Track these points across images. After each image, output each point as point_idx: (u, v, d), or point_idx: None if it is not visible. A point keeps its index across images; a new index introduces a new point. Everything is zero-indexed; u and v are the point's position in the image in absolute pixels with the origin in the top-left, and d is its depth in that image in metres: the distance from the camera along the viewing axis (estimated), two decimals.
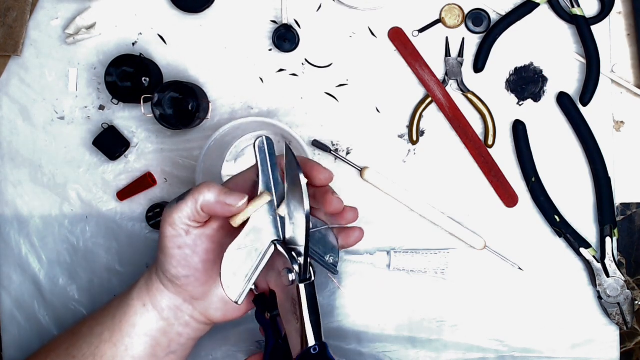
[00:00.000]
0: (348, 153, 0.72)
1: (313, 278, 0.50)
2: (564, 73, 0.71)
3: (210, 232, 0.55)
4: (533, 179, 0.70)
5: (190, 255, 0.54)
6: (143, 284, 0.59)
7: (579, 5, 0.69)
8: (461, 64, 0.71)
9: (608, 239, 0.70)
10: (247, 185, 0.56)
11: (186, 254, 0.54)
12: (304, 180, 0.46)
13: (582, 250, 0.70)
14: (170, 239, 0.54)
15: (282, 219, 0.52)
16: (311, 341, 0.48)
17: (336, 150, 0.72)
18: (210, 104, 0.71)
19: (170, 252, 0.54)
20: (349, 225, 0.56)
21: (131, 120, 0.72)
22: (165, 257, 0.55)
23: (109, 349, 0.57)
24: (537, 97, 0.72)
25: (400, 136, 0.72)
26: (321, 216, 0.56)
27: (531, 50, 0.71)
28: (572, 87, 0.71)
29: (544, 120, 0.71)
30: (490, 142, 0.71)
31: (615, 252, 0.70)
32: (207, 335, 0.72)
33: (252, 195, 0.52)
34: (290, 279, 0.49)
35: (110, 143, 0.71)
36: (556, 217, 0.70)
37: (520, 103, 0.72)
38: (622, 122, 0.72)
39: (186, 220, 0.53)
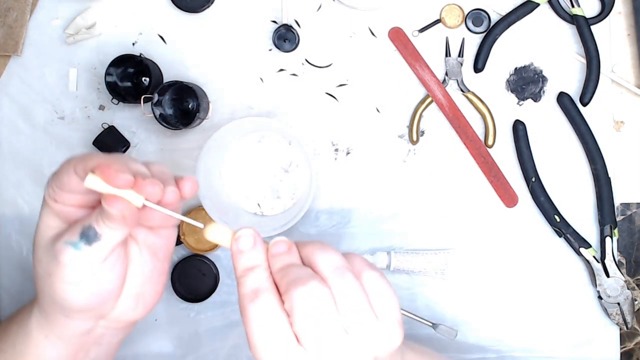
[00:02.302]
0: (348, 153, 0.72)
1: None
2: (564, 73, 0.71)
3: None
4: (533, 179, 0.70)
5: (100, 279, 0.47)
6: (38, 312, 0.51)
7: (579, 5, 0.69)
8: (461, 64, 0.71)
9: (608, 239, 0.70)
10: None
11: (96, 280, 0.47)
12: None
13: (582, 250, 0.70)
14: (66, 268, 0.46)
15: None
16: None
17: (336, 150, 0.72)
18: (210, 104, 0.71)
19: (69, 287, 0.46)
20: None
21: (131, 120, 0.72)
22: (63, 293, 0.47)
23: None
24: (537, 97, 0.72)
25: (400, 136, 0.72)
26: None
27: (531, 50, 0.71)
28: (572, 87, 0.71)
29: (544, 120, 0.71)
30: (490, 142, 0.71)
31: (615, 252, 0.70)
32: (207, 335, 0.72)
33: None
34: None
35: (110, 143, 0.71)
36: (556, 217, 0.70)
37: (520, 103, 0.72)
38: (622, 122, 0.72)
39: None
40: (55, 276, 0.46)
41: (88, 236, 0.45)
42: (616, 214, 0.70)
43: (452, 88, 0.71)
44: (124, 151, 0.72)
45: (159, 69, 0.72)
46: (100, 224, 0.45)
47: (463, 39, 0.71)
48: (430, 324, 0.51)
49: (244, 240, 0.45)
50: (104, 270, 0.47)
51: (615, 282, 0.69)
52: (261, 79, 0.72)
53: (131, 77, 0.71)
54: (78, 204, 0.47)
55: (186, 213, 0.71)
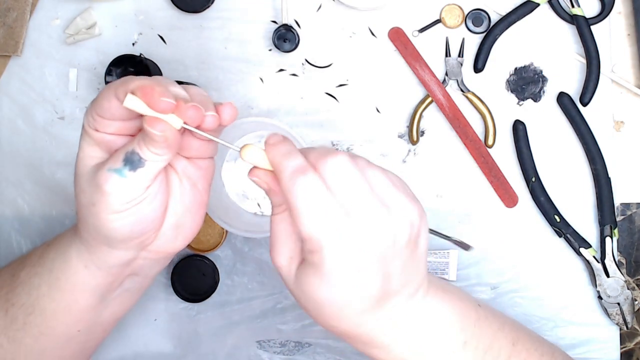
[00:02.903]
0: None
1: None
2: (564, 73, 0.71)
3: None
4: (533, 179, 0.70)
5: (145, 208, 0.47)
6: (79, 242, 0.52)
7: (579, 5, 0.69)
8: (461, 64, 0.71)
9: (608, 239, 0.70)
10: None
11: (140, 209, 0.47)
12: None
13: (582, 250, 0.70)
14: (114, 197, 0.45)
15: None
16: None
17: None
18: None
19: (114, 216, 0.46)
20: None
21: None
22: (107, 222, 0.47)
23: (48, 304, 0.53)
24: (537, 97, 0.72)
25: (400, 136, 0.72)
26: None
27: (531, 50, 0.71)
28: (572, 87, 0.71)
29: (544, 120, 0.71)
30: (490, 142, 0.71)
31: (615, 252, 0.70)
32: (207, 335, 0.72)
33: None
34: None
35: None
36: (556, 217, 0.70)
37: (520, 103, 0.72)
38: (622, 122, 0.72)
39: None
40: (99, 205, 0.46)
41: (132, 162, 0.45)
42: (616, 214, 0.70)
43: (452, 88, 0.71)
44: None
45: (159, 69, 0.72)
46: (143, 148, 0.45)
47: (463, 39, 0.71)
48: (445, 236, 0.55)
49: (273, 137, 0.45)
50: (148, 199, 0.47)
51: (615, 282, 0.69)
52: (261, 79, 0.72)
53: None
54: (119, 131, 0.47)
55: None
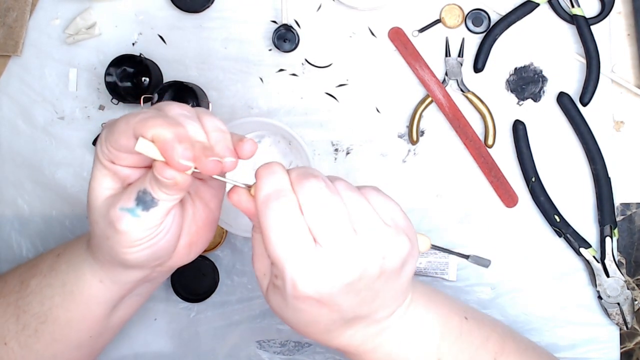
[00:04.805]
0: (348, 153, 0.72)
1: None
2: (564, 73, 0.71)
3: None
4: (533, 179, 0.70)
5: (161, 239, 0.47)
6: (92, 260, 0.52)
7: (579, 5, 0.69)
8: (461, 64, 0.71)
9: (608, 239, 0.70)
10: None
11: (156, 241, 0.47)
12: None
13: (582, 250, 0.70)
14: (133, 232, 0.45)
15: None
16: None
17: (336, 150, 0.72)
18: (210, 104, 0.71)
19: (129, 250, 0.46)
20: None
21: None
22: (122, 255, 0.47)
23: (62, 314, 0.54)
24: (537, 97, 0.72)
25: (400, 136, 0.72)
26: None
27: (531, 50, 0.71)
28: (572, 87, 0.71)
29: (544, 120, 0.71)
30: (490, 142, 0.71)
31: (615, 252, 0.70)
32: (207, 335, 0.72)
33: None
34: None
35: None
36: (556, 217, 0.70)
37: (520, 103, 0.72)
38: (622, 122, 0.72)
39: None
40: (113, 239, 0.46)
41: (145, 202, 0.44)
42: (616, 214, 0.70)
43: (452, 88, 0.71)
44: None
45: (159, 69, 0.72)
46: (155, 189, 0.44)
47: (463, 39, 0.71)
48: (463, 256, 0.54)
49: (264, 166, 0.44)
50: (163, 231, 0.47)
51: (615, 282, 0.69)
52: (261, 79, 0.72)
53: (131, 77, 0.71)
54: (135, 164, 0.46)
55: None
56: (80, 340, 0.56)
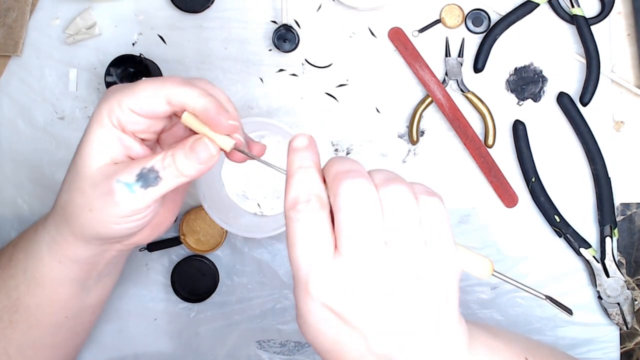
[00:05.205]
0: (348, 153, 0.72)
1: None
2: (564, 73, 0.71)
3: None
4: (533, 179, 0.70)
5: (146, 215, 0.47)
6: (50, 239, 0.51)
7: (579, 5, 0.69)
8: (461, 64, 0.71)
9: (608, 239, 0.70)
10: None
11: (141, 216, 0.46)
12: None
13: (582, 250, 0.70)
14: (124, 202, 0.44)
15: None
16: None
17: (336, 150, 0.72)
18: None
19: (112, 224, 0.46)
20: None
21: None
22: (104, 227, 0.46)
23: (31, 300, 0.53)
24: (537, 97, 0.72)
25: (400, 136, 0.72)
26: None
27: (531, 50, 0.71)
28: (572, 87, 0.71)
29: (544, 120, 0.71)
30: (490, 142, 0.71)
31: (615, 252, 0.70)
32: (207, 335, 0.72)
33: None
34: None
35: None
36: (556, 217, 0.70)
37: (520, 103, 0.72)
38: (622, 122, 0.72)
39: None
40: (99, 211, 0.45)
41: (147, 179, 0.43)
42: (616, 214, 0.70)
43: (452, 88, 0.71)
44: None
45: (159, 69, 0.72)
46: (167, 168, 0.44)
47: (463, 39, 0.71)
48: (544, 297, 0.45)
49: (299, 139, 0.41)
50: (152, 211, 0.47)
51: (615, 282, 0.69)
52: (261, 79, 0.72)
53: (131, 77, 0.70)
54: (147, 129, 0.45)
55: (185, 213, 0.71)
56: (56, 322, 0.56)
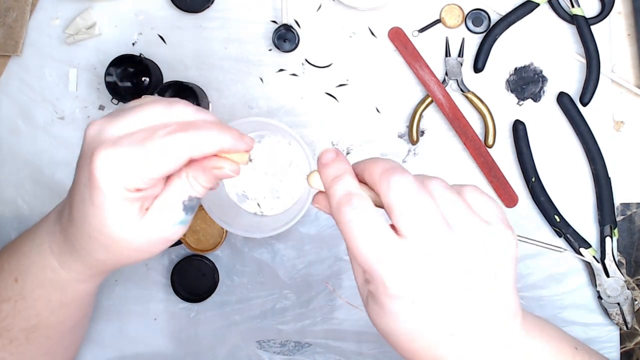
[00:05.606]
0: (348, 153, 0.72)
1: None
2: (564, 73, 0.71)
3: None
4: (533, 179, 0.70)
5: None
6: (60, 268, 0.52)
7: (579, 5, 0.69)
8: (461, 64, 0.71)
9: (608, 239, 0.70)
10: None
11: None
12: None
13: (582, 250, 0.70)
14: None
15: None
16: None
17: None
18: (210, 104, 0.71)
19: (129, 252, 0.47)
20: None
21: None
22: (114, 253, 0.47)
23: (55, 318, 0.55)
24: (537, 97, 0.72)
25: (400, 136, 0.72)
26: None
27: (531, 50, 0.71)
28: (572, 87, 0.71)
29: (544, 120, 0.71)
30: (490, 142, 0.71)
31: (615, 252, 0.70)
32: (207, 335, 0.72)
33: None
34: None
35: None
36: (556, 217, 0.70)
37: (520, 103, 0.72)
38: (622, 122, 0.72)
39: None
40: (139, 256, 0.48)
41: (192, 207, 0.46)
42: (616, 214, 0.70)
43: (452, 88, 0.71)
44: None
45: (159, 69, 0.72)
46: (200, 189, 0.46)
47: (463, 39, 0.71)
48: (562, 250, 0.51)
49: (325, 155, 0.43)
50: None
51: (615, 282, 0.69)
52: (261, 79, 0.72)
53: (131, 77, 0.70)
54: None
55: None
56: (74, 326, 0.58)
